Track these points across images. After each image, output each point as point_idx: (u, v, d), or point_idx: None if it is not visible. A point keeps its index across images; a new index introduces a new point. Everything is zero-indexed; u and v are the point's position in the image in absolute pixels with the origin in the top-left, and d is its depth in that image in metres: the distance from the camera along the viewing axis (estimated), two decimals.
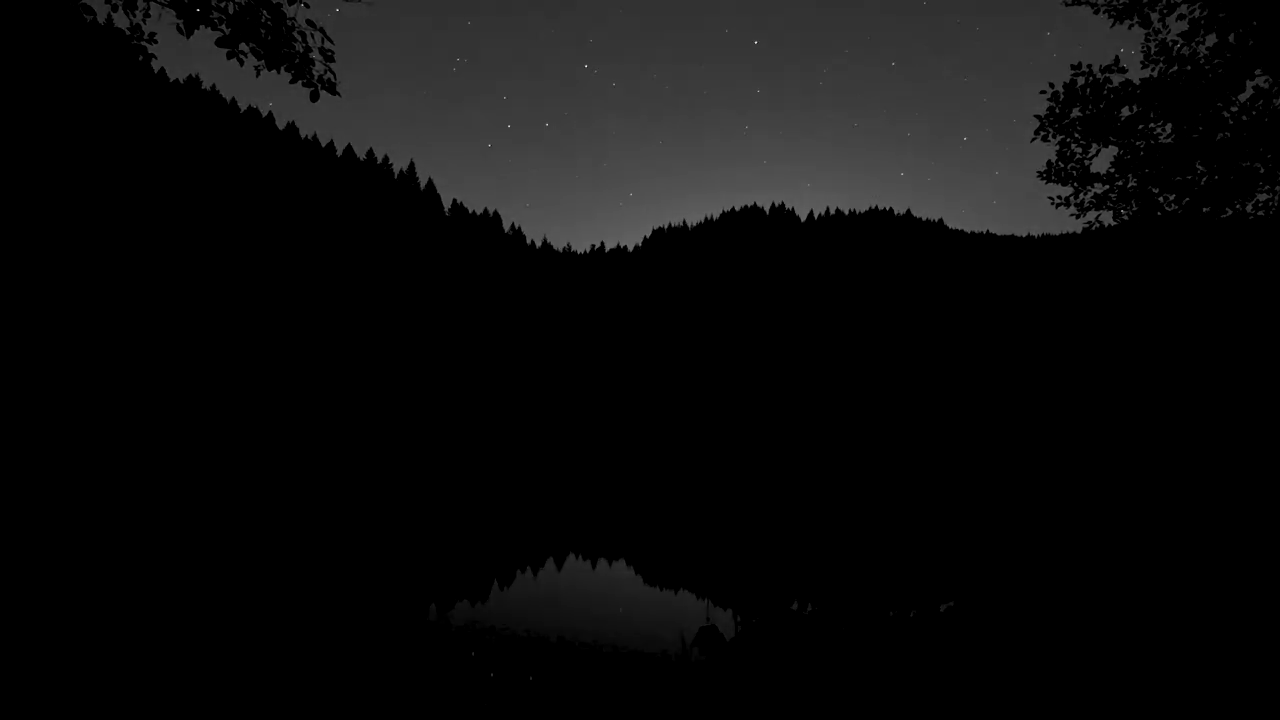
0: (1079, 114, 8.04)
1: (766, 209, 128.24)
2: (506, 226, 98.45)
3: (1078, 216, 8.80)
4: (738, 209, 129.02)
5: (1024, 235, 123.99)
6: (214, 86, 66.44)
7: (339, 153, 77.53)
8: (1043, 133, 8.26)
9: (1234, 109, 7.49)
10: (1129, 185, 8.37)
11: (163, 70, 63.29)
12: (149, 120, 55.42)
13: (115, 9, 4.84)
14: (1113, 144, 8.21)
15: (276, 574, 10.19)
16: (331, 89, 5.33)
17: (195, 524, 13.46)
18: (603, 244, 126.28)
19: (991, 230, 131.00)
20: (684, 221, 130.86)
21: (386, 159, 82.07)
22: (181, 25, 4.74)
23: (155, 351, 45.84)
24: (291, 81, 5.31)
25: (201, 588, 9.09)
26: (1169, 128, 7.89)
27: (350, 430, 43.55)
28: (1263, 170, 7.58)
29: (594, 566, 11.94)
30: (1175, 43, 7.56)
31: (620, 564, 12.15)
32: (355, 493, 18.91)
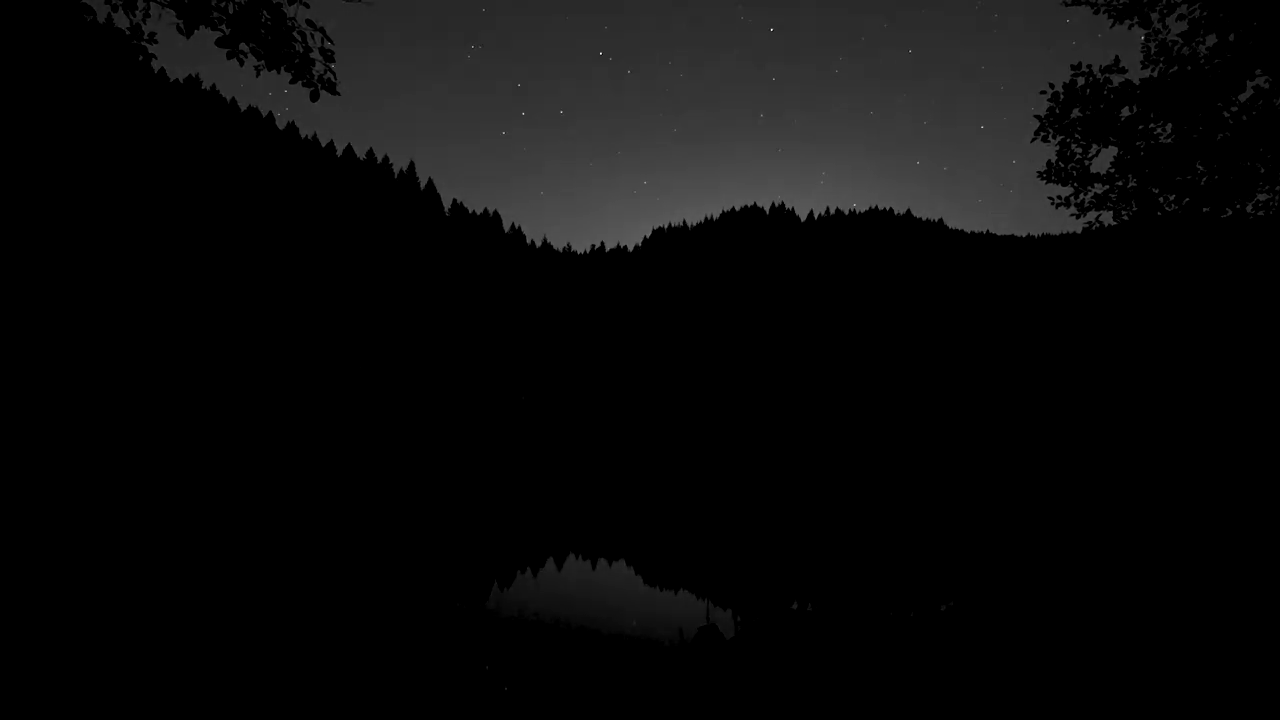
0: (1079, 114, 8.04)
1: (766, 209, 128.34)
2: (511, 222, 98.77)
3: (1078, 216, 8.80)
4: (738, 209, 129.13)
5: (1024, 235, 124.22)
6: (214, 86, 66.46)
7: (339, 153, 77.58)
8: (1043, 133, 8.26)
9: (1234, 109, 7.49)
10: (1129, 185, 8.36)
11: (163, 70, 63.31)
12: (149, 120, 55.42)
13: (115, 9, 4.84)
14: (1113, 144, 8.21)
15: (279, 576, 10.19)
16: (331, 89, 5.33)
17: (196, 524, 13.46)
18: (603, 244, 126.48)
19: (992, 230, 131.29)
20: (684, 221, 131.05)
21: (386, 159, 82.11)
22: (181, 25, 4.74)
23: (155, 351, 45.83)
24: (292, 81, 5.31)
25: (204, 590, 9.09)
26: (1169, 128, 7.88)
27: (350, 430, 43.55)
28: (1263, 170, 7.58)
29: (594, 566, 11.94)
30: (1175, 43, 7.55)
31: (620, 564, 12.15)
32: (356, 492, 18.91)
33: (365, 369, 61.61)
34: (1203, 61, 7.40)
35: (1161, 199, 8.26)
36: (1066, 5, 8.10)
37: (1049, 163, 8.54)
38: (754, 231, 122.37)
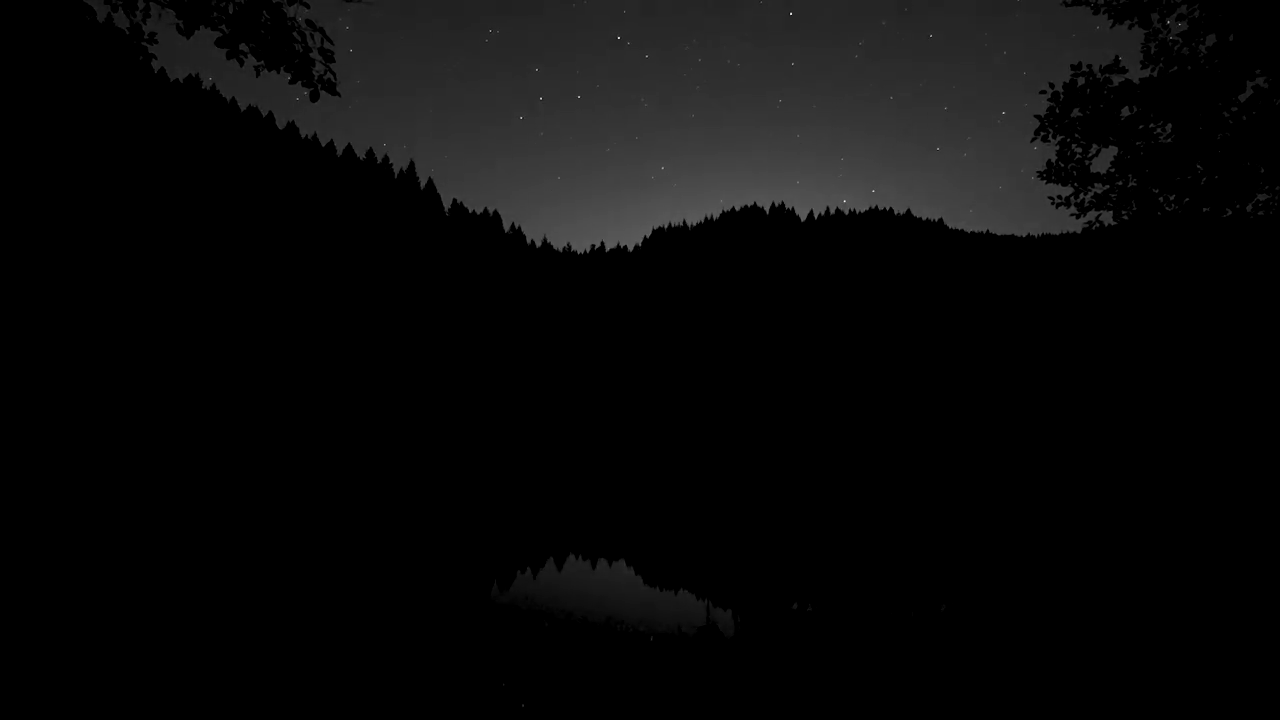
0: (1079, 114, 8.04)
1: (766, 209, 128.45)
2: (512, 222, 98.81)
3: (1078, 216, 8.80)
4: (738, 209, 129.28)
5: (1024, 235, 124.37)
6: (214, 86, 66.45)
7: (339, 152, 77.60)
8: (1043, 133, 8.26)
9: (1234, 109, 7.49)
10: (1129, 185, 8.36)
11: (163, 70, 63.30)
12: (149, 120, 55.40)
13: (115, 9, 4.85)
14: (1113, 144, 8.21)
15: (281, 576, 10.19)
16: (331, 89, 5.33)
17: (197, 523, 13.46)
18: (603, 244, 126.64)
19: (992, 230, 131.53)
20: (684, 221, 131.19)
21: (386, 159, 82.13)
22: (181, 25, 4.74)
23: (155, 351, 45.83)
24: (291, 82, 5.31)
25: (206, 589, 9.09)
26: (1169, 128, 7.88)
27: (350, 430, 43.54)
28: (1263, 170, 7.58)
29: (593, 566, 11.94)
30: (1175, 43, 7.55)
31: (620, 564, 12.14)
32: (357, 492, 18.91)
33: (365, 369, 61.62)
34: (1203, 61, 7.40)
35: (1161, 199, 8.26)
36: (1067, 6, 8.10)
37: (1049, 162, 8.55)
38: (754, 231, 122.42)
